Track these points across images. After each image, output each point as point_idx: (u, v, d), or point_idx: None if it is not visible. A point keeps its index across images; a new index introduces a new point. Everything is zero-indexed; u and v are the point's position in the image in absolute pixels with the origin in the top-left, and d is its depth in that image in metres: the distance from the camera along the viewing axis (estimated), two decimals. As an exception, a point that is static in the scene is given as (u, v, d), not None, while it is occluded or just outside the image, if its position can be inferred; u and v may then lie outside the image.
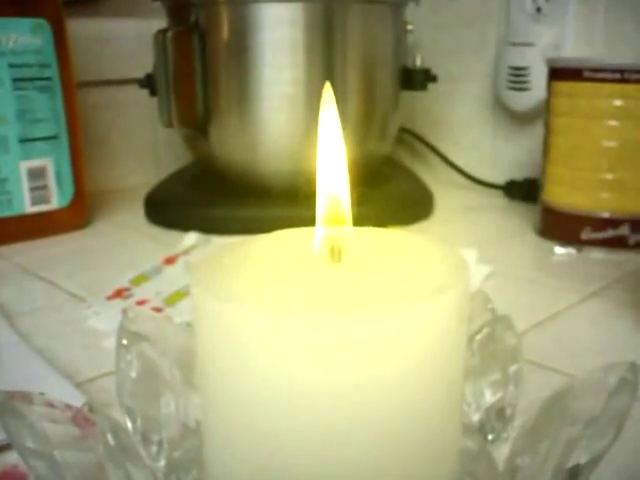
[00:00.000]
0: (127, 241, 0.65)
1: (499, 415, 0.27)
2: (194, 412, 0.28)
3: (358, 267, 0.22)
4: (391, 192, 0.72)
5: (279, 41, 0.62)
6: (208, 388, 0.22)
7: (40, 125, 0.63)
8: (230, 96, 0.64)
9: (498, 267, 0.55)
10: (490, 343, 0.28)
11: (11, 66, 0.61)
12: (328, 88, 0.26)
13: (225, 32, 0.63)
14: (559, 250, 0.61)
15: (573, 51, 0.73)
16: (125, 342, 0.27)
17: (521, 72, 0.75)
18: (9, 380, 0.35)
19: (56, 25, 0.63)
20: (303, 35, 0.62)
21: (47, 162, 0.64)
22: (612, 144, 0.58)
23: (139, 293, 0.49)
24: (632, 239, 0.59)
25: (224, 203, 0.67)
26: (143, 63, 0.72)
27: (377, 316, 0.19)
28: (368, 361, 0.20)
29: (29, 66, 0.62)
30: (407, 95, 0.74)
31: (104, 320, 0.44)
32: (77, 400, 0.33)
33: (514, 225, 0.69)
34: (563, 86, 0.61)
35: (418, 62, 0.73)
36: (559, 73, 0.61)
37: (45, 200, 0.64)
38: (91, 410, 0.33)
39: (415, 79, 0.71)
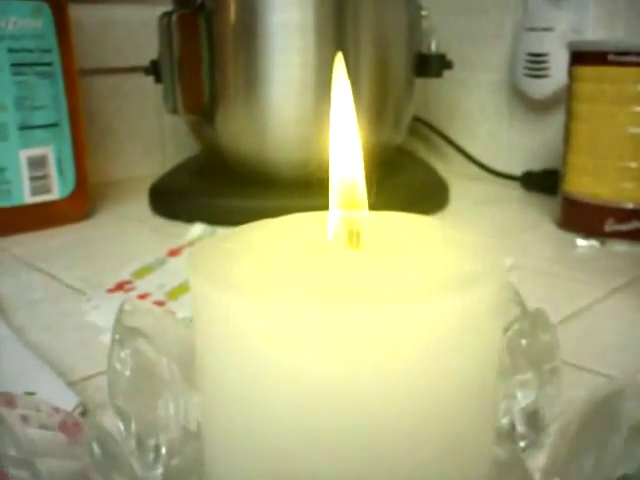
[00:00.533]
0: (130, 233, 0.62)
1: (532, 419, 0.25)
2: (195, 414, 0.25)
3: (380, 253, 0.19)
4: (405, 183, 0.69)
5: (288, 23, 0.59)
6: (207, 387, 0.20)
7: (40, 112, 0.61)
8: (237, 81, 0.61)
9: (521, 260, 0.52)
10: (522, 340, 0.25)
11: (10, 51, 0.58)
12: (340, 59, 0.24)
13: (232, 14, 0.60)
14: (581, 242, 0.58)
15: (594, 36, 0.70)
16: (119, 337, 0.24)
17: (540, 58, 0.72)
18: (-1, 377, 0.33)
19: (57, 8, 0.61)
20: (313, 17, 0.60)
21: (48, 151, 0.62)
22: (637, 131, 0.56)
23: (142, 286, 0.46)
24: (658, 231, 0.56)
25: (231, 193, 0.64)
26: (149, 50, 0.69)
27: (404, 308, 0.17)
28: (391, 359, 0.17)
29: (29, 51, 0.59)
30: (420, 83, 0.71)
31: (103, 314, 0.42)
32: (70, 400, 0.30)
33: (532, 217, 0.66)
34: (586, 71, 0.58)
35: (433, 48, 0.70)
36: (582, 57, 0.58)
37: (46, 190, 0.62)
38: (84, 412, 0.31)
39: (430, 65, 0.69)
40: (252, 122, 0.62)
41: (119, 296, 0.45)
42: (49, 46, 0.61)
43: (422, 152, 0.86)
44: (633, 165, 0.56)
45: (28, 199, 0.61)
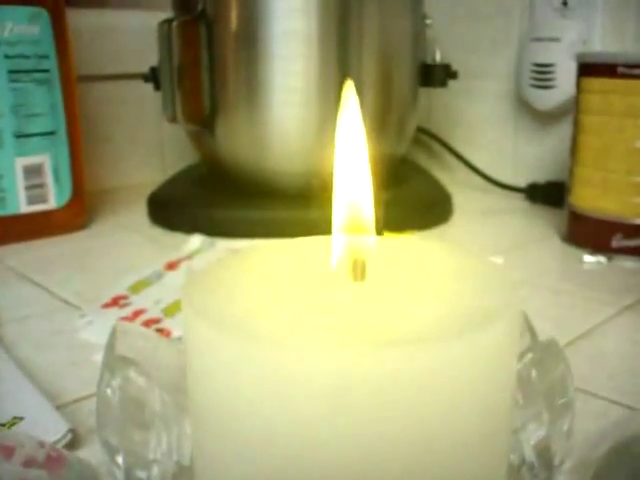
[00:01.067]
0: (128, 243, 0.61)
1: (544, 455, 0.23)
2: (189, 446, 0.24)
3: (386, 286, 0.18)
4: (408, 195, 0.68)
5: (291, 31, 0.58)
6: (199, 424, 0.18)
7: (37, 120, 0.60)
8: (238, 90, 0.60)
9: (526, 276, 0.51)
10: (533, 371, 0.24)
11: (6, 57, 0.57)
12: (350, 86, 0.23)
13: (234, 21, 0.59)
14: (588, 258, 0.56)
15: (602, 47, 0.69)
16: (109, 366, 0.23)
17: (546, 69, 0.71)
18: (-14, 400, 0.32)
19: (55, 14, 0.60)
20: (317, 25, 0.58)
21: (44, 159, 0.61)
22: (647, 145, 0.54)
23: (137, 302, 0.45)
24: (667, 247, 0.55)
25: (230, 204, 0.63)
26: (148, 57, 0.68)
27: (414, 353, 0.15)
28: (399, 405, 0.16)
29: (26, 57, 0.58)
30: (424, 92, 0.70)
31: (98, 331, 0.41)
32: (60, 427, 0.29)
33: (537, 230, 0.65)
34: (595, 83, 0.56)
35: (438, 57, 0.69)
36: (590, 69, 0.57)
37: (42, 199, 0.61)
38: (74, 439, 0.29)
39: (435, 75, 0.67)
40: (253, 132, 0.61)
41: (114, 312, 0.44)
42: (46, 53, 0.59)
43: (426, 163, 0.85)
44: (642, 179, 0.55)
45: (24, 208, 0.60)
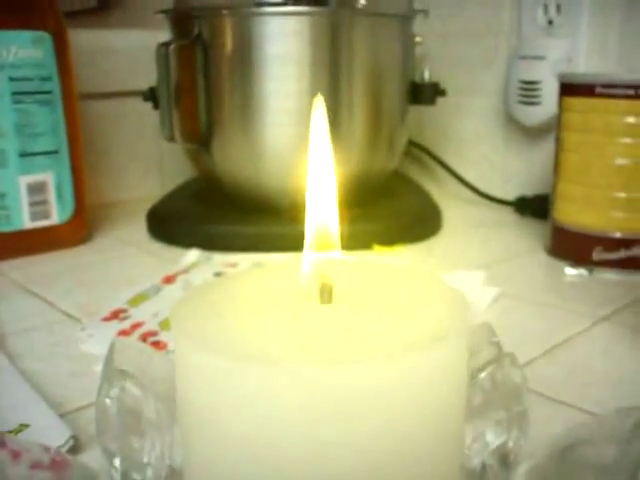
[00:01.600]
0: (128, 257, 0.63)
1: (503, 460, 0.26)
2: (180, 451, 0.26)
3: (350, 309, 0.20)
4: (399, 208, 0.71)
5: (284, 54, 0.61)
6: (188, 437, 0.21)
7: (40, 139, 0.62)
8: (233, 110, 0.63)
9: (506, 288, 0.53)
10: (494, 382, 0.26)
11: (11, 79, 0.60)
12: (319, 101, 0.25)
13: (228, 45, 0.61)
14: (570, 271, 0.59)
15: (586, 65, 0.71)
16: (107, 378, 0.25)
17: (532, 86, 0.74)
18: (-6, 409, 0.34)
19: (57, 38, 0.62)
20: (308, 48, 0.61)
21: (47, 177, 0.63)
22: (625, 162, 0.57)
23: (136, 315, 0.47)
24: (646, 260, 0.57)
25: (227, 219, 0.65)
26: (147, 75, 0.71)
27: (371, 368, 0.18)
28: (357, 416, 0.18)
29: (29, 79, 0.61)
30: (416, 108, 0.73)
31: (98, 343, 0.43)
32: (63, 434, 0.31)
33: (524, 243, 0.67)
34: (575, 102, 0.59)
35: (426, 76, 0.71)
36: (570, 89, 0.59)
37: (45, 215, 0.63)
38: (75, 445, 0.32)
39: (423, 93, 0.70)
40: (247, 150, 0.63)
41: (114, 324, 0.46)
42: (49, 75, 0.62)
43: (417, 176, 0.87)
44: (621, 195, 0.57)
45: (27, 224, 0.62)
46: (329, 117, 0.25)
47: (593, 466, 0.22)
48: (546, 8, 0.73)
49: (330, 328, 0.19)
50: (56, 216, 0.64)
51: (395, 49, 0.66)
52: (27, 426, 0.32)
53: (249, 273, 0.23)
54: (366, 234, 0.62)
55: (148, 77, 0.70)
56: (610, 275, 0.58)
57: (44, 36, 0.61)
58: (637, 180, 0.57)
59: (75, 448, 0.32)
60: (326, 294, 0.20)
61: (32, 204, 0.62)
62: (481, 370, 0.26)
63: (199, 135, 0.64)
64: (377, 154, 0.67)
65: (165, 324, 0.45)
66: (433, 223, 0.71)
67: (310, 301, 0.21)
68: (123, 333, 0.44)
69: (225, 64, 0.62)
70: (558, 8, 0.72)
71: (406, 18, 0.67)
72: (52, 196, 0.63)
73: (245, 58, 0.61)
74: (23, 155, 0.61)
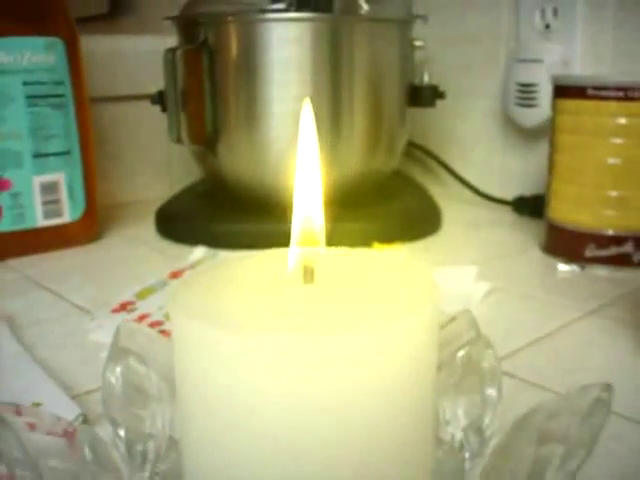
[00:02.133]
0: (137, 255, 0.66)
1: (479, 434, 0.28)
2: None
3: (329, 287, 0.23)
4: (399, 208, 0.73)
5: (286, 59, 0.63)
6: (184, 406, 0.23)
7: (53, 141, 0.65)
8: (238, 113, 0.65)
9: (500, 284, 0.55)
10: (470, 362, 0.28)
11: (25, 84, 0.63)
12: (307, 104, 0.27)
13: (233, 50, 0.64)
14: (562, 267, 0.61)
15: (581, 68, 0.73)
16: (113, 355, 0.28)
17: (529, 89, 0.76)
18: (9, 389, 0.37)
19: (69, 43, 0.65)
20: (310, 53, 0.63)
21: (60, 177, 0.66)
22: (616, 161, 0.59)
23: (143, 307, 0.50)
24: (636, 257, 0.59)
25: (232, 218, 0.68)
26: (157, 79, 0.73)
27: (344, 336, 0.20)
28: (335, 379, 0.20)
29: (43, 83, 0.64)
30: (418, 111, 0.75)
31: (107, 333, 0.45)
32: (73, 411, 0.34)
33: (521, 241, 0.69)
34: (567, 104, 0.61)
35: (426, 79, 0.73)
36: (563, 91, 0.61)
37: (57, 214, 0.66)
38: (85, 421, 0.34)
39: (422, 96, 0.72)
40: (252, 152, 0.66)
41: (122, 316, 0.48)
42: (61, 79, 0.65)
43: (419, 176, 0.90)
44: (613, 194, 0.59)
45: (40, 222, 0.65)
46: (330, 119, 0.27)
47: (553, 437, 0.24)
48: (543, 13, 0.75)
49: (309, 304, 0.22)
50: (68, 215, 0.67)
51: (395, 53, 0.68)
52: (40, 404, 0.34)
53: (241, 260, 0.26)
54: (365, 232, 0.64)
55: (158, 81, 0.72)
56: (602, 271, 0.59)
57: (56, 42, 0.64)
58: (628, 179, 0.59)
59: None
60: (308, 275, 0.23)
61: (45, 203, 0.65)
62: (459, 350, 0.29)
63: (205, 137, 0.66)
64: (377, 155, 0.70)
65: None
66: (432, 222, 0.73)
67: (294, 282, 0.23)
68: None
69: (230, 69, 0.64)
70: (555, 12, 0.74)
71: (406, 23, 0.70)
72: (64, 195, 0.66)
73: (249, 63, 0.63)
74: (37, 156, 0.64)
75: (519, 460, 0.23)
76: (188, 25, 0.67)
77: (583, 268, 0.60)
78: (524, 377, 0.40)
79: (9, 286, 0.57)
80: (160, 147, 0.88)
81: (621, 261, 0.59)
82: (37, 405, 0.34)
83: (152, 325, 0.46)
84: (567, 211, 0.62)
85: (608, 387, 0.26)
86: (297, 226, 0.24)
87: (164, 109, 0.70)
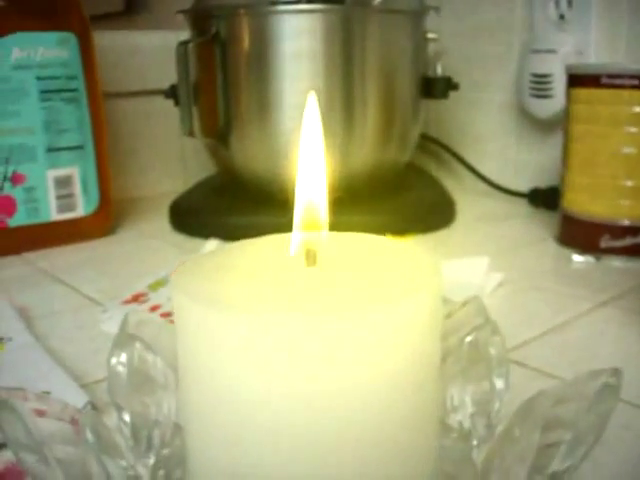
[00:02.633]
0: (150, 248, 0.66)
1: (486, 421, 0.28)
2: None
3: (331, 270, 0.23)
4: (413, 200, 0.72)
5: (298, 51, 0.63)
6: (187, 389, 0.23)
7: (67, 135, 0.65)
8: (250, 106, 0.65)
9: (514, 275, 0.55)
10: (478, 348, 0.28)
11: (39, 78, 0.63)
12: (312, 97, 0.27)
13: (245, 43, 0.64)
14: (577, 258, 0.60)
15: (596, 58, 0.73)
16: (120, 342, 0.28)
17: (544, 79, 0.75)
18: (20, 378, 0.37)
19: (82, 38, 0.65)
20: (322, 45, 0.63)
21: (73, 171, 0.66)
22: (631, 151, 0.58)
23: (155, 298, 0.50)
24: (652, 247, 0.58)
25: (244, 211, 0.68)
26: (171, 74, 0.74)
27: (345, 317, 0.20)
28: (336, 360, 0.20)
29: (56, 78, 0.64)
30: (432, 103, 0.74)
31: (117, 324, 0.45)
32: (81, 399, 0.34)
33: (535, 233, 0.68)
34: (581, 93, 0.60)
35: (439, 70, 0.73)
36: (577, 80, 0.61)
37: (71, 208, 0.66)
38: (93, 409, 0.34)
39: (436, 87, 0.72)
40: (264, 144, 0.66)
41: (133, 307, 0.48)
42: (75, 74, 0.65)
43: (434, 169, 0.89)
44: (628, 183, 0.59)
45: (54, 216, 0.65)
46: (342, 111, 0.27)
47: (561, 423, 0.24)
48: (558, 3, 0.74)
49: (311, 286, 0.22)
50: (81, 208, 0.67)
51: (407, 45, 0.68)
52: (48, 393, 0.34)
53: (244, 245, 0.26)
54: (379, 225, 0.64)
55: (171, 76, 0.72)
56: (616, 262, 0.59)
57: (69, 36, 0.64)
58: (643, 169, 0.58)
59: (93, 414, 0.34)
60: (311, 258, 0.23)
61: (59, 197, 0.65)
62: (467, 337, 0.28)
63: (217, 130, 0.66)
64: (390, 147, 0.69)
65: (181, 305, 0.47)
66: (446, 214, 0.73)
67: (297, 265, 0.23)
68: (142, 315, 0.47)
69: (242, 61, 0.64)
70: (569, 3, 0.73)
71: (418, 14, 0.69)
72: (78, 189, 0.66)
73: (261, 55, 0.63)
74: (50, 150, 0.64)
75: (523, 446, 0.22)
76: (200, 18, 0.67)
77: (598, 259, 0.59)
78: (534, 366, 0.40)
79: (23, 279, 0.58)
80: (174, 142, 0.88)
81: (636, 251, 0.59)
82: (46, 393, 0.34)
83: (163, 316, 0.46)
84: (582, 201, 0.62)
85: (617, 372, 0.25)
86: (299, 212, 0.24)
87: (177, 103, 0.70)
